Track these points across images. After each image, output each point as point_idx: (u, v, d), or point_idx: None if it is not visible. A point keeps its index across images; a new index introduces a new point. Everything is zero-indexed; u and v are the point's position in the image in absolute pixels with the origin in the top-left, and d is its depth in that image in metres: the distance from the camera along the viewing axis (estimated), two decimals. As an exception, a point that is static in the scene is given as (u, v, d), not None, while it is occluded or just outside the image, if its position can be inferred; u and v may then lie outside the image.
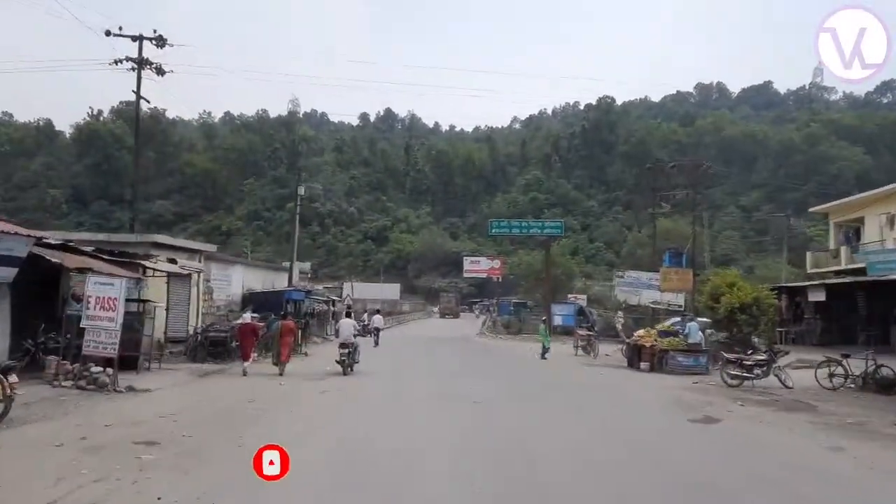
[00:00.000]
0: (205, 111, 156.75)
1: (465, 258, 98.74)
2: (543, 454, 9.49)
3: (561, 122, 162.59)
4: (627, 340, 26.67)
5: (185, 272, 22.13)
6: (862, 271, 28.79)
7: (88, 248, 17.61)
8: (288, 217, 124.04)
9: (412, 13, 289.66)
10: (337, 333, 22.74)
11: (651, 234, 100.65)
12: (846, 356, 19.10)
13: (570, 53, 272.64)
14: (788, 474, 8.65)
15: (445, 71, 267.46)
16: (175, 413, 11.75)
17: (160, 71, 27.17)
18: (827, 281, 29.87)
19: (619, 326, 40.68)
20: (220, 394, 14.92)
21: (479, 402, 14.07)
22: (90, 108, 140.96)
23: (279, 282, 33.21)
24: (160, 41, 26.75)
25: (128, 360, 17.06)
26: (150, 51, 26.99)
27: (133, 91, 26.70)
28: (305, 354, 25.41)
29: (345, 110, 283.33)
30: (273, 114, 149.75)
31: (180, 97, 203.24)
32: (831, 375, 18.95)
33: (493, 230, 45.15)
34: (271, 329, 22.41)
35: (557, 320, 42.21)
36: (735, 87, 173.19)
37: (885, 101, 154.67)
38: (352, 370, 19.90)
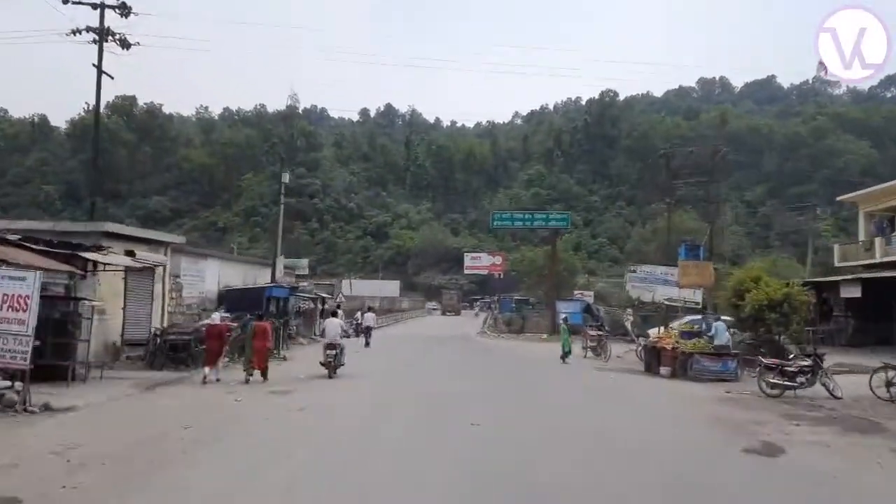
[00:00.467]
0: (202, 106, 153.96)
1: (465, 254, 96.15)
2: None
3: (563, 117, 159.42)
4: (644, 342, 23.77)
5: (144, 265, 19.25)
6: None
7: (13, 237, 14.71)
8: (287, 213, 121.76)
9: (412, 9, 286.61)
10: (323, 334, 20.49)
11: (656, 230, 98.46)
12: (908, 361, 16.26)
13: (571, 49, 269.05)
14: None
15: (446, 66, 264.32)
16: (78, 445, 8.91)
17: (125, 43, 24.27)
18: (864, 275, 26.94)
19: (627, 325, 37.84)
20: (158, 414, 12.06)
21: (479, 425, 11.18)
22: (86, 103, 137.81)
23: (263, 278, 30.38)
24: (123, 9, 23.83)
25: (59, 370, 14.27)
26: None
27: (94, 65, 23.78)
28: (284, 359, 22.57)
29: (345, 106, 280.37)
30: (272, 110, 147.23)
31: (178, 92, 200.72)
32: (888, 384, 16.07)
33: (496, 223, 42.17)
34: (245, 330, 19.61)
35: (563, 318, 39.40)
36: (738, 82, 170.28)
37: (889, 94, 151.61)
38: (335, 373, 18.46)
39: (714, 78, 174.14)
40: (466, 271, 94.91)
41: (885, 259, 27.74)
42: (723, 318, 25.80)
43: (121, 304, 19.46)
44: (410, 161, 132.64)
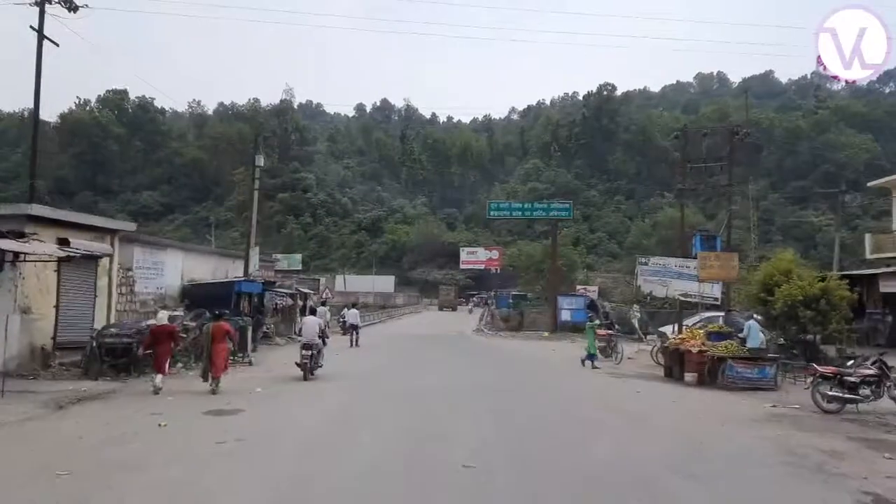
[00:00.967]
0: (194, 100, 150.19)
1: (461, 249, 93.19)
2: None
3: (560, 111, 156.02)
4: (662, 342, 20.68)
5: (79, 255, 16.11)
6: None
7: None
8: (280, 208, 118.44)
9: (406, 5, 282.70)
10: (301, 333, 18.42)
11: (655, 223, 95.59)
12: None
13: (567, 44, 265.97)
14: None
15: (443, 62, 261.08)
16: None
17: (71, 6, 21.07)
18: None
19: (635, 323, 34.83)
20: (38, 451, 8.92)
21: (474, 467, 8.07)
22: (77, 97, 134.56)
23: (237, 272, 27.21)
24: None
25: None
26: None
27: (32, 27, 20.59)
28: (250, 363, 19.43)
29: (340, 102, 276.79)
30: (266, 104, 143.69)
31: (172, 88, 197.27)
32: (971, 398, 13.09)
33: (493, 212, 38.93)
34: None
35: (565, 315, 36.36)
36: (736, 77, 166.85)
37: (887, 90, 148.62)
38: (313, 374, 16.93)
39: (712, 73, 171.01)
40: (462, 266, 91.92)
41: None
42: (755, 316, 22.84)
43: (53, 302, 16.34)
44: (406, 155, 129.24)
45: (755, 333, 17.71)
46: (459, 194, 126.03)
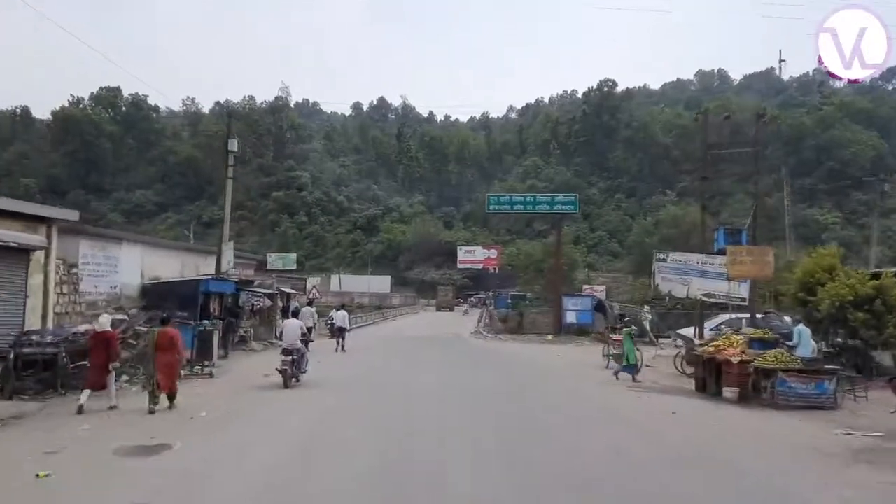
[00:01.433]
0: (189, 97, 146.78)
1: (459, 248, 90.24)
2: None
3: (559, 109, 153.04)
4: (688, 348, 17.76)
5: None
6: None
7: None
8: (274, 206, 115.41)
9: (404, 5, 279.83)
10: (282, 337, 16.56)
11: (658, 222, 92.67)
12: None
13: (566, 42, 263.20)
14: None
15: (441, 60, 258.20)
16: None
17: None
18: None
19: (646, 325, 31.95)
20: None
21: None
22: (71, 95, 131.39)
23: (211, 269, 24.19)
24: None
25: None
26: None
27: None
28: (210, 375, 16.46)
29: (337, 101, 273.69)
30: (261, 101, 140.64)
31: (167, 87, 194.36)
32: None
33: (492, 206, 35.87)
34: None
35: (570, 317, 33.44)
36: (737, 75, 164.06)
37: (890, 87, 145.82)
38: (297, 381, 15.52)
39: (713, 70, 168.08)
40: (460, 265, 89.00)
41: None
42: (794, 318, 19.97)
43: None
44: (402, 153, 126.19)
45: (807, 340, 14.87)
46: (457, 193, 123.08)
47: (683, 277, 23.18)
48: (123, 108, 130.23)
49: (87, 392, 11.91)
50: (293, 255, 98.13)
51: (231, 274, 24.28)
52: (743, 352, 15.01)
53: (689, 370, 19.04)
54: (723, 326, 25.50)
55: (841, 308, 17.34)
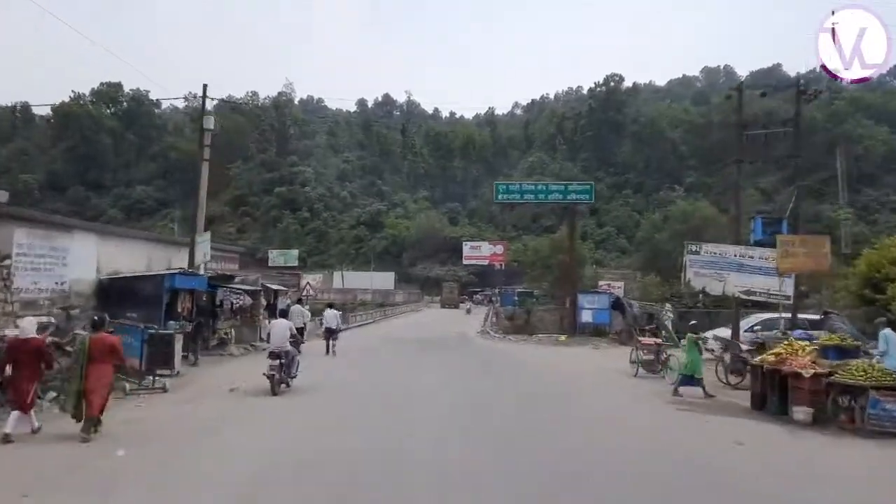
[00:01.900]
0: (190, 93, 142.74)
1: (464, 243, 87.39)
2: None
3: (564, 105, 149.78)
4: (751, 361, 14.73)
5: None
6: None
7: None
8: (276, 202, 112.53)
9: (407, 2, 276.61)
10: (269, 339, 14.96)
11: (667, 217, 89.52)
12: None
13: (571, 39, 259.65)
14: None
15: (445, 58, 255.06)
16: None
17: None
18: None
19: (669, 325, 28.89)
20: None
21: None
22: (72, 91, 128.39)
23: (185, 263, 21.25)
24: None
25: None
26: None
27: None
28: (163, 389, 13.49)
29: (342, 98, 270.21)
30: (264, 97, 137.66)
31: (172, 83, 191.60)
32: None
33: (500, 195, 32.72)
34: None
35: (585, 316, 30.41)
36: (743, 71, 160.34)
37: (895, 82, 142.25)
38: (287, 387, 14.06)
39: (718, 66, 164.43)
40: (465, 262, 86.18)
41: None
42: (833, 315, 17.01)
43: None
44: (407, 149, 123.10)
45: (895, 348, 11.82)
46: (462, 188, 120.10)
47: (718, 272, 20.15)
48: (124, 104, 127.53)
49: (14, 415, 9.25)
50: (295, 252, 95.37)
51: (209, 268, 21.36)
52: (814, 362, 12.02)
53: (734, 380, 16.10)
54: (757, 328, 22.60)
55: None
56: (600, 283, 43.72)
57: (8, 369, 9.68)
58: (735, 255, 20.19)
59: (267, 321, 24.24)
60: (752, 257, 20.06)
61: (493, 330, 36.56)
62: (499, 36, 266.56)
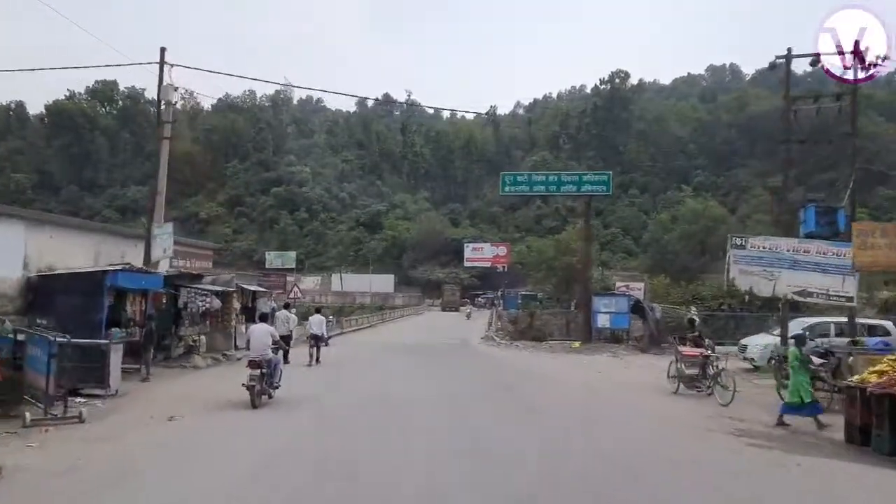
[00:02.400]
0: (186, 90, 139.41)
1: (466, 245, 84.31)
2: None
3: (567, 105, 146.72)
4: (841, 381, 11.60)
5: None
6: None
7: None
8: (273, 202, 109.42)
9: (407, 2, 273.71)
10: (248, 346, 13.24)
11: (675, 217, 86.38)
12: None
13: (573, 39, 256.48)
14: None
15: (446, 58, 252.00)
16: None
17: None
18: None
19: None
20: None
21: None
22: (68, 90, 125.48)
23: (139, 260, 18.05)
24: None
25: None
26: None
27: None
28: (79, 419, 10.29)
29: (341, 98, 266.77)
30: (261, 95, 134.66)
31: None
32: None
33: (507, 188, 29.50)
34: None
35: (601, 320, 27.29)
36: (749, 69, 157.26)
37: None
38: (270, 397, 12.52)
39: (724, 65, 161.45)
40: (467, 264, 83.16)
41: None
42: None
43: None
44: (407, 148, 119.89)
45: None
46: (463, 189, 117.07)
47: (769, 270, 17.06)
48: (119, 102, 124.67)
49: None
50: (292, 254, 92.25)
51: (176, 266, 18.31)
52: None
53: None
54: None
55: None
56: (617, 284, 40.57)
57: None
58: (788, 250, 17.10)
59: (243, 327, 21.27)
60: (807, 252, 16.99)
61: (499, 336, 33.45)
62: (499, 37, 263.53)
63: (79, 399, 11.20)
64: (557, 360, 23.28)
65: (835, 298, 16.85)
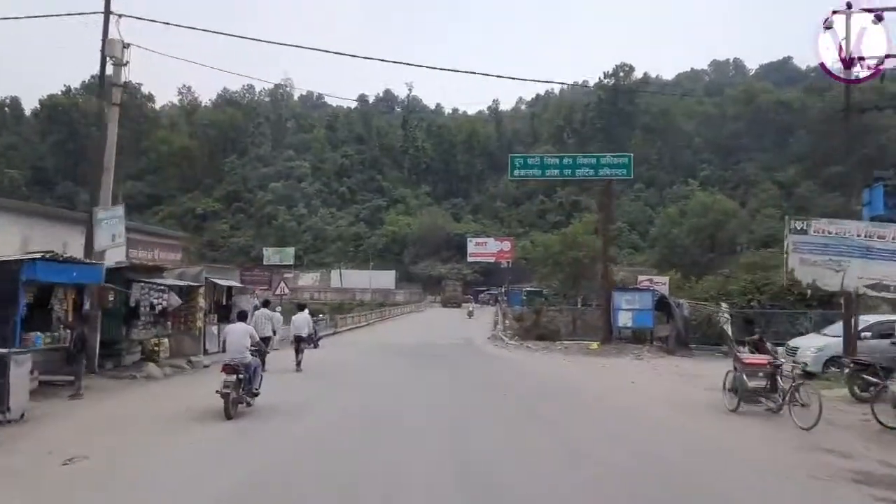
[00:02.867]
0: (184, 85, 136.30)
1: (469, 240, 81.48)
2: None
3: (571, 99, 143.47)
4: None
5: None
6: None
7: None
8: (272, 197, 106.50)
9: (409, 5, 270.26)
10: (223, 348, 12.23)
11: (684, 211, 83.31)
12: None
13: (575, 35, 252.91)
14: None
15: (447, 54, 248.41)
16: None
17: None
18: None
19: (728, 329, 22.81)
20: None
21: None
22: (65, 85, 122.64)
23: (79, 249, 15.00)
24: None
25: None
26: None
27: None
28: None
29: (342, 93, 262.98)
30: (261, 90, 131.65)
31: (168, 81, 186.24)
32: None
33: (517, 171, 26.23)
34: None
35: (623, 318, 24.26)
36: (753, 64, 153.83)
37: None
38: (249, 405, 11.10)
39: (728, 60, 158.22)
40: (470, 259, 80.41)
41: None
42: None
43: None
44: (408, 142, 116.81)
45: None
46: (466, 183, 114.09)
47: (836, 259, 14.10)
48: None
49: None
50: (291, 250, 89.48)
51: (112, 252, 15.34)
52: None
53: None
54: (866, 334, 16.57)
55: None
56: (640, 278, 37.65)
57: None
58: (860, 235, 14.14)
59: (215, 328, 18.30)
60: (882, 237, 14.03)
61: (507, 335, 30.49)
62: (501, 33, 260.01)
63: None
64: (577, 364, 20.28)
65: (909, 294, 13.90)
